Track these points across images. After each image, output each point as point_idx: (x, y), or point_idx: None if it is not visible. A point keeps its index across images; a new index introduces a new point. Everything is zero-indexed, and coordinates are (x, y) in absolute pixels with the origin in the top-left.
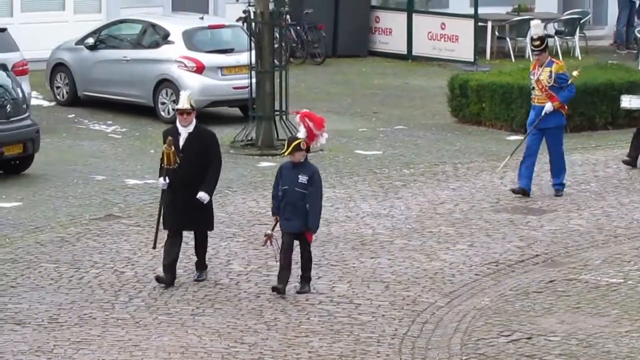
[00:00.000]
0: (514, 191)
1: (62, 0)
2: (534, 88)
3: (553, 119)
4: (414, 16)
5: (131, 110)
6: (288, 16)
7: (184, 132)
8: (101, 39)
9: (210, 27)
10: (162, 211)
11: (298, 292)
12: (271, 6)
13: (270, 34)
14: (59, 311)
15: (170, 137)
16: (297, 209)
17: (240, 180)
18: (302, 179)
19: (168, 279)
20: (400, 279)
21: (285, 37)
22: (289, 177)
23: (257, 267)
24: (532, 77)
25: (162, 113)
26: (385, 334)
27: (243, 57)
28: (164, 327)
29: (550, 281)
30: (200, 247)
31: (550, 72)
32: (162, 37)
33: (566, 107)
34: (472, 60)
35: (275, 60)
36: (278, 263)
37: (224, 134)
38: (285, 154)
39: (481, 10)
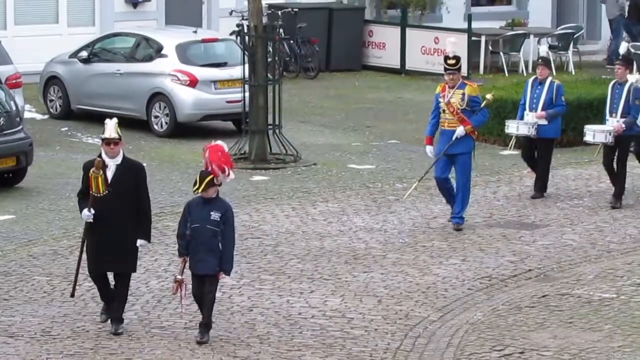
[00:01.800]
0: (456, 229)
1: (56, 13)
2: (444, 111)
3: (463, 144)
4: (408, 30)
5: (125, 123)
6: (281, 30)
7: (111, 164)
8: (95, 52)
9: (204, 41)
10: (83, 248)
11: (198, 342)
12: (265, 20)
13: (263, 48)
14: (52, 324)
15: (99, 158)
16: (211, 248)
17: (233, 194)
18: (215, 216)
19: (105, 319)
20: (393, 293)
21: (278, 51)
22: (200, 214)
23: (250, 281)
24: (441, 99)
25: (156, 127)
26: (378, 348)
27: (236, 71)
28: (156, 340)
29: (543, 296)
30: (122, 293)
31: (463, 94)
32: (155, 51)
33: (476, 132)
34: (466, 74)
35: (269, 74)
36: (182, 311)
37: None
38: (199, 191)
39: (475, 25)
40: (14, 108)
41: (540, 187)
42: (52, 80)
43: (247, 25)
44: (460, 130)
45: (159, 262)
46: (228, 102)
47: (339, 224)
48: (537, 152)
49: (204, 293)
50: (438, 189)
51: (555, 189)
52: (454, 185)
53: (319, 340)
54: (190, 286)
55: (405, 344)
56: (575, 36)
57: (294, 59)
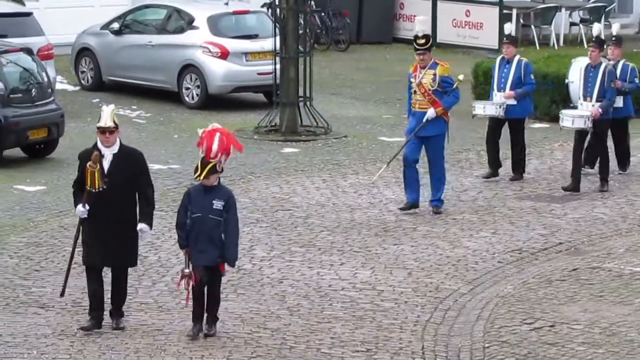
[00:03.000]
0: (402, 209)
1: None
2: (415, 92)
3: (435, 126)
4: (439, 3)
5: (156, 95)
6: (313, 2)
7: (107, 153)
8: (126, 24)
9: (235, 13)
10: (75, 246)
11: (207, 335)
12: None
13: (294, 20)
14: (83, 295)
15: (96, 152)
16: (213, 239)
17: (263, 166)
18: (217, 204)
19: (94, 324)
20: (423, 266)
21: (309, 23)
22: (201, 203)
23: (280, 253)
24: (412, 80)
25: (187, 98)
26: (408, 321)
27: (267, 43)
28: (187, 311)
29: (574, 269)
30: (120, 287)
31: (434, 75)
32: (186, 23)
33: (449, 114)
34: (497, 47)
35: (300, 47)
36: (190, 303)
37: (248, 120)
38: (201, 177)
39: None
40: (45, 79)
41: (518, 169)
42: (83, 52)
43: None
44: (430, 112)
45: None
46: (259, 74)
47: (369, 196)
48: (509, 134)
49: (208, 285)
50: (403, 169)
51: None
52: (419, 173)
53: (349, 313)
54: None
55: (435, 316)
56: (606, 9)
57: (325, 31)
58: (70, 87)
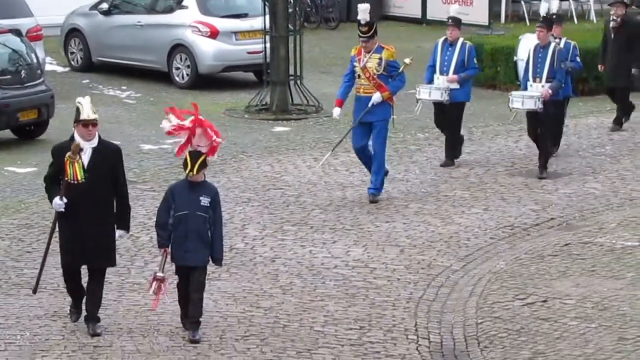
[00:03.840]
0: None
1: None
2: (359, 76)
3: (379, 111)
4: None
5: (145, 75)
6: None
7: (87, 147)
8: (115, 4)
9: None
10: (51, 240)
11: (192, 341)
12: None
13: None
14: None
15: (77, 142)
16: (202, 237)
17: (255, 145)
18: (205, 201)
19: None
20: (415, 243)
21: (299, 1)
22: (187, 200)
23: (273, 232)
24: (356, 64)
25: (177, 78)
26: (401, 298)
27: (257, 22)
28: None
29: (566, 244)
30: (97, 289)
31: (380, 59)
32: (176, 2)
33: (394, 99)
34: (487, 23)
35: (290, 25)
36: (156, 307)
37: (239, 99)
38: (193, 173)
39: None
40: (35, 61)
41: (451, 155)
42: (72, 33)
43: None
44: (376, 97)
45: None
46: (249, 53)
47: (361, 174)
48: (446, 117)
49: (193, 287)
50: (358, 157)
51: (577, 137)
52: (368, 158)
53: (342, 290)
54: (166, 283)
55: (428, 293)
56: None
57: (315, 9)
58: (59, 68)
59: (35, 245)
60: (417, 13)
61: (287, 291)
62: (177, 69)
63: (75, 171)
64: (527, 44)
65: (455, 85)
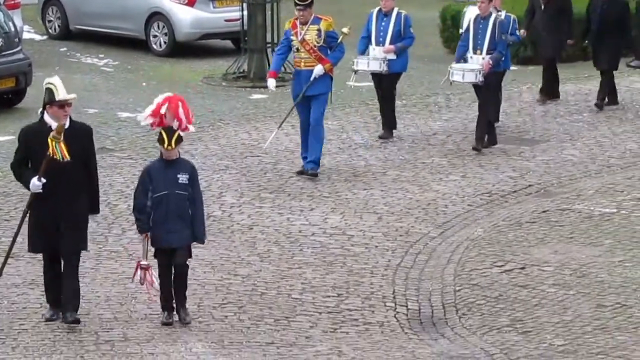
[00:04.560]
0: (300, 172)
1: None
2: (297, 50)
3: (321, 84)
4: None
5: (123, 43)
6: None
7: (63, 120)
8: None
9: None
10: (22, 224)
11: (185, 323)
12: None
13: None
14: None
15: (62, 123)
16: (183, 216)
17: (232, 113)
18: (183, 178)
19: (53, 313)
20: (393, 210)
21: None
22: (165, 179)
23: (250, 199)
24: (293, 37)
25: (154, 46)
26: (379, 265)
27: None
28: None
29: (544, 211)
30: (74, 275)
31: (319, 30)
32: None
33: (333, 70)
34: None
35: None
36: (158, 297)
37: (216, 67)
38: (172, 146)
39: None
40: (12, 29)
41: (390, 125)
42: (50, 1)
43: None
44: (318, 69)
45: None
46: (226, 20)
47: (338, 142)
48: (381, 87)
49: (177, 269)
50: (301, 133)
51: (555, 104)
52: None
53: (320, 258)
54: (150, 270)
55: (406, 260)
56: None
57: None
58: (37, 37)
59: (13, 214)
60: None
61: (265, 259)
62: (155, 37)
63: (62, 150)
64: (470, 16)
65: (392, 56)
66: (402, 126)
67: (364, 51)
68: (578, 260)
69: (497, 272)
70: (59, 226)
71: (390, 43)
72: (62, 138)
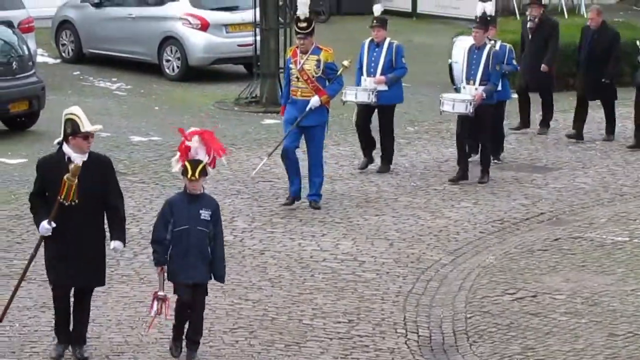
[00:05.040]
0: (285, 204)
1: None
2: (297, 79)
3: (316, 116)
4: None
5: (136, 67)
6: None
7: (78, 160)
8: None
9: None
10: (29, 266)
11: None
12: None
13: None
14: None
15: (78, 164)
16: (203, 253)
17: (244, 137)
18: (205, 214)
19: (61, 351)
20: (404, 237)
21: None
22: (187, 213)
23: (262, 224)
24: (291, 65)
25: (167, 70)
26: (390, 292)
27: (248, 15)
28: (168, 283)
29: (556, 239)
30: (85, 310)
31: (318, 60)
32: None
33: (330, 103)
34: (493, 14)
35: (280, 18)
36: (149, 328)
37: (229, 91)
38: (195, 176)
39: None
40: (26, 52)
41: (387, 159)
42: (64, 25)
43: None
44: (315, 100)
45: None
46: (239, 45)
47: (350, 167)
48: (379, 122)
49: (194, 306)
50: (282, 159)
51: (568, 131)
52: (298, 161)
53: (331, 284)
54: (168, 302)
55: (417, 287)
56: None
57: None
58: (51, 60)
59: (25, 237)
60: (407, 7)
61: (276, 284)
62: (168, 61)
63: (71, 192)
64: (462, 46)
65: (383, 87)
66: (414, 153)
67: (359, 82)
68: (590, 289)
69: (508, 299)
70: (72, 263)
71: (382, 74)
72: (76, 181)
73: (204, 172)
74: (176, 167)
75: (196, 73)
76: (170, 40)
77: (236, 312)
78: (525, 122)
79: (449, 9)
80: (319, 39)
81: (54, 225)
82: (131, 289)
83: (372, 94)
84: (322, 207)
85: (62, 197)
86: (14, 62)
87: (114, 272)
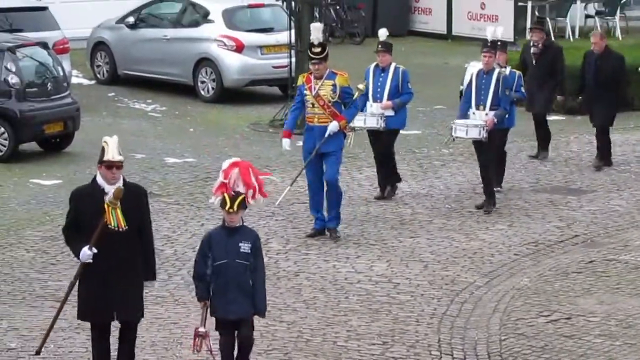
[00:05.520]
0: (310, 235)
1: None
2: (313, 105)
3: (335, 141)
4: None
5: (171, 89)
6: None
7: (111, 191)
8: (141, 17)
9: (250, 6)
10: (68, 295)
11: None
12: None
13: (310, 13)
14: None
15: (120, 186)
16: (243, 287)
17: (279, 159)
18: (245, 247)
19: None
20: (439, 259)
21: (324, 16)
22: (226, 247)
23: (296, 246)
24: (307, 92)
25: (202, 92)
26: (424, 313)
27: (282, 36)
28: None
29: (590, 261)
30: (131, 345)
31: (334, 85)
32: (202, 16)
33: (347, 127)
34: (512, 40)
35: None
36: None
37: (263, 113)
38: (234, 209)
39: None
40: (61, 73)
41: (386, 185)
42: (99, 46)
43: None
44: (334, 126)
45: (205, 227)
46: (274, 67)
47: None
48: (380, 145)
49: (241, 341)
50: (310, 192)
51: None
52: (322, 199)
53: (365, 306)
54: (208, 339)
55: (452, 309)
56: (622, 2)
57: (340, 24)
58: (85, 81)
59: (59, 258)
60: (442, 29)
61: (311, 305)
62: (203, 82)
63: (119, 217)
64: (472, 71)
65: (390, 112)
66: (448, 175)
67: (362, 107)
68: (624, 311)
69: (543, 322)
70: (111, 297)
71: (388, 99)
72: (119, 204)
73: (242, 205)
74: (214, 199)
75: (231, 94)
76: (205, 61)
77: (270, 333)
78: (545, 148)
79: (483, 31)
80: (354, 61)
81: (95, 251)
82: (165, 310)
83: (381, 119)
84: (356, 230)
85: (111, 223)
86: (49, 84)
87: (149, 294)
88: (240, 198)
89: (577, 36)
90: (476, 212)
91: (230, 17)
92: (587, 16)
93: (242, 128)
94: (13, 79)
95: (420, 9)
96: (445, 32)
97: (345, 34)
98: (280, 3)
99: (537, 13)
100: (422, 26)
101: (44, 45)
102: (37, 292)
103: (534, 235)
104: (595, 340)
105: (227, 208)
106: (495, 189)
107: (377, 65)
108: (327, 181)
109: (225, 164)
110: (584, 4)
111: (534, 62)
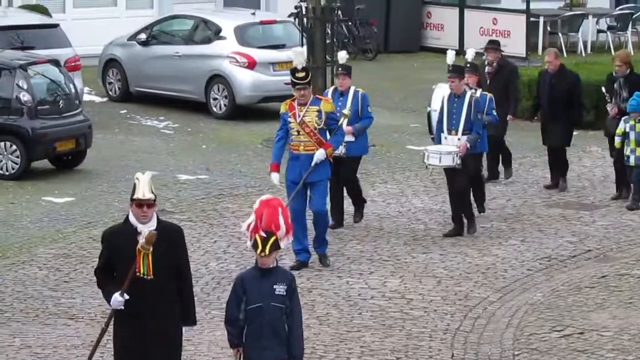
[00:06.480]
0: (292, 267)
1: None
2: (298, 132)
3: (321, 170)
4: (466, 11)
5: (183, 106)
6: (340, 12)
7: (144, 230)
8: (153, 34)
9: (262, 23)
10: (100, 340)
11: None
12: (323, 2)
13: (322, 30)
14: None
15: (153, 231)
16: (278, 331)
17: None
18: (280, 289)
19: None
20: (452, 274)
21: (336, 32)
22: (260, 290)
23: (310, 262)
24: (291, 119)
25: (214, 108)
26: (438, 329)
27: None
28: (216, 321)
29: (603, 276)
30: None
31: (319, 111)
32: (214, 33)
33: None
34: (524, 55)
35: (327, 56)
36: None
37: (276, 130)
38: (265, 253)
39: (533, 6)
40: (73, 91)
41: (360, 212)
42: (110, 63)
43: (306, 7)
44: (320, 154)
45: (218, 244)
46: (286, 84)
47: (397, 205)
48: (341, 173)
49: None
50: (294, 220)
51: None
52: (305, 228)
53: (379, 321)
54: None
55: (465, 324)
56: (634, 16)
57: (352, 40)
58: (97, 98)
59: (72, 275)
60: (454, 44)
61: (324, 322)
62: (215, 99)
63: (149, 264)
64: (441, 93)
65: (350, 138)
66: None
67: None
68: (637, 326)
69: (556, 336)
70: (147, 348)
71: (348, 124)
72: (151, 249)
73: (275, 246)
74: (248, 242)
75: (243, 111)
76: (217, 78)
77: None
78: (495, 175)
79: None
80: (365, 75)
81: (126, 297)
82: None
83: (343, 146)
84: (369, 246)
85: (140, 270)
86: (61, 101)
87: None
88: (272, 240)
89: (589, 51)
90: (489, 228)
91: (243, 34)
92: (599, 31)
93: (255, 145)
94: (25, 97)
95: (432, 25)
96: (457, 48)
97: (357, 50)
98: (292, 19)
99: (549, 28)
100: (434, 42)
101: (55, 62)
102: (50, 309)
103: (547, 251)
104: (608, 355)
105: (258, 252)
106: (480, 213)
107: (335, 89)
108: (316, 212)
109: (256, 203)
110: (595, 19)
111: (488, 82)
